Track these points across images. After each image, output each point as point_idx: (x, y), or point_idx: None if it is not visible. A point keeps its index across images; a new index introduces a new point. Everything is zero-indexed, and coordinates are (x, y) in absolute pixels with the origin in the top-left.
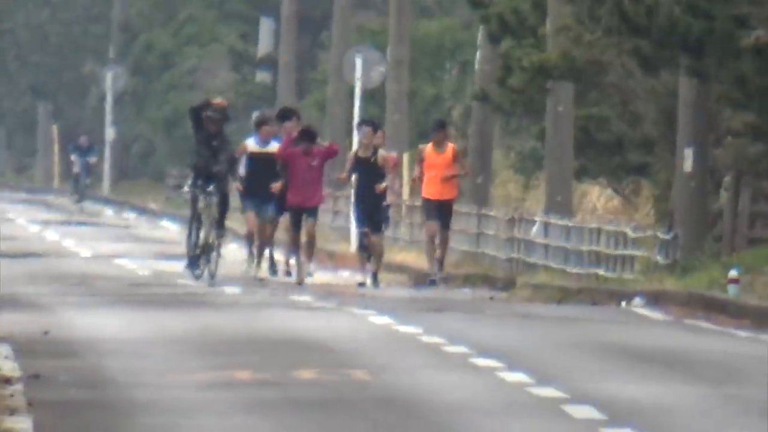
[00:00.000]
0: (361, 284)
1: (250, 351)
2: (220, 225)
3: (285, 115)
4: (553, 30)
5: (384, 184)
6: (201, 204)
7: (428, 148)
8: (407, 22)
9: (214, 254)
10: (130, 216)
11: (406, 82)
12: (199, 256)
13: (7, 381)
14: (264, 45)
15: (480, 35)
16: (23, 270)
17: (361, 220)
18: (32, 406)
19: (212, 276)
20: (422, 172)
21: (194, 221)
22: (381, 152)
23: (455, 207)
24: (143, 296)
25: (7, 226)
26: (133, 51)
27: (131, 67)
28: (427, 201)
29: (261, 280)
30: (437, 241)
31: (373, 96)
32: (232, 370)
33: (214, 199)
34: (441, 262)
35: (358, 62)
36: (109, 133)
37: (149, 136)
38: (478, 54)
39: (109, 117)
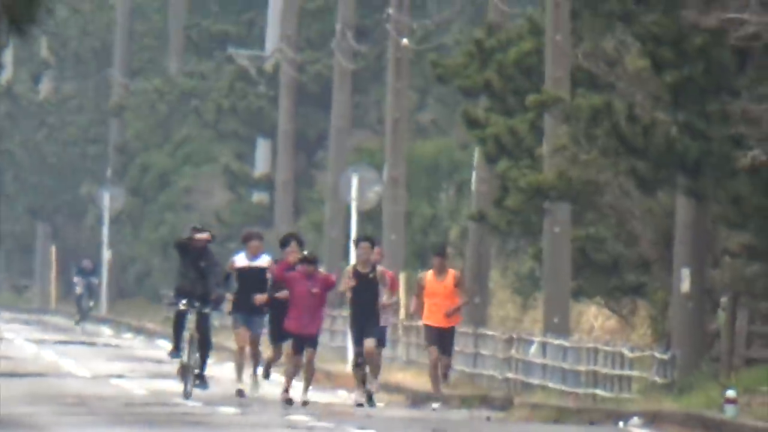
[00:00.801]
0: (359, 405)
1: None
2: (205, 347)
3: (285, 240)
4: (550, 150)
5: (384, 301)
6: (192, 325)
7: (428, 275)
8: (403, 141)
9: (193, 376)
10: (127, 336)
11: (403, 202)
12: (185, 373)
13: None
14: (261, 164)
15: (476, 155)
16: (20, 390)
17: (358, 338)
18: None
19: (188, 395)
20: (421, 300)
21: (178, 339)
22: (379, 268)
23: None
24: (140, 416)
25: (5, 345)
26: (130, 172)
27: (128, 188)
28: (429, 328)
29: (240, 391)
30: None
31: (370, 216)
32: None
33: (204, 321)
34: (438, 392)
35: (354, 182)
36: (106, 254)
37: (146, 256)
38: (474, 174)
39: (106, 238)
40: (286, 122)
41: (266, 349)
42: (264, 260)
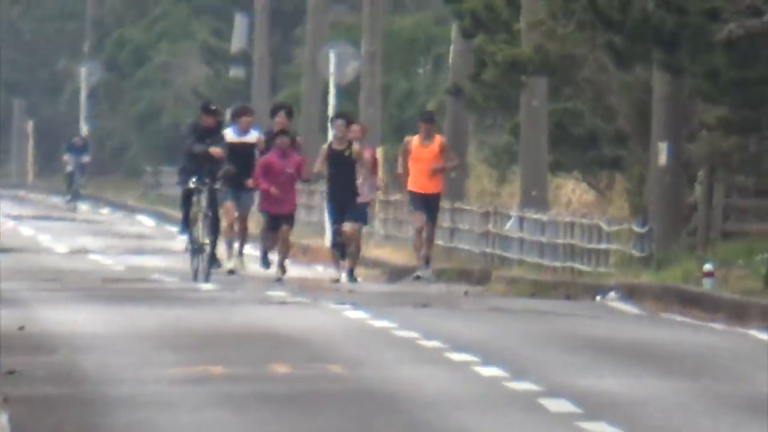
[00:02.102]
0: (336, 281)
1: (224, 346)
2: (214, 223)
3: (275, 109)
4: (527, 25)
5: (359, 179)
6: (203, 202)
7: (414, 140)
8: (381, 17)
9: (206, 253)
10: (105, 211)
11: (380, 76)
12: (195, 252)
13: None
14: (237, 40)
15: (453, 30)
16: None
17: (335, 216)
18: (7, 402)
19: (206, 274)
20: (407, 165)
21: (188, 218)
22: (355, 145)
23: None
24: (118, 291)
25: None
26: (106, 47)
27: (105, 63)
28: (413, 194)
29: (231, 272)
30: (424, 235)
31: (348, 91)
32: (206, 365)
33: (215, 198)
34: (428, 259)
35: (332, 57)
36: (84, 129)
37: (123, 132)
38: (451, 49)
39: (83, 113)
40: None
41: (255, 227)
42: (253, 136)
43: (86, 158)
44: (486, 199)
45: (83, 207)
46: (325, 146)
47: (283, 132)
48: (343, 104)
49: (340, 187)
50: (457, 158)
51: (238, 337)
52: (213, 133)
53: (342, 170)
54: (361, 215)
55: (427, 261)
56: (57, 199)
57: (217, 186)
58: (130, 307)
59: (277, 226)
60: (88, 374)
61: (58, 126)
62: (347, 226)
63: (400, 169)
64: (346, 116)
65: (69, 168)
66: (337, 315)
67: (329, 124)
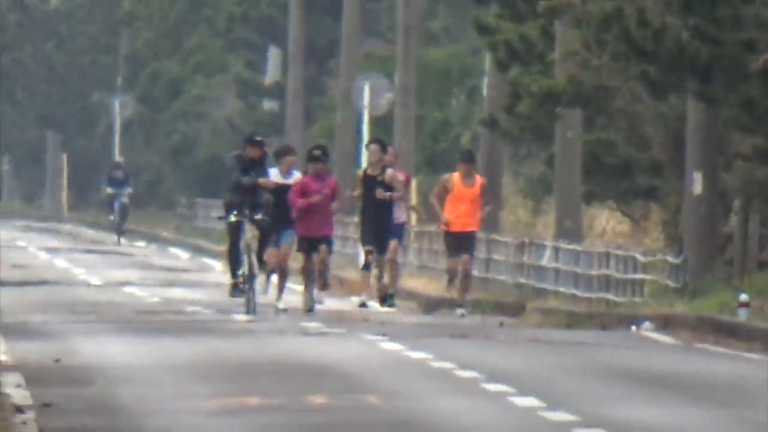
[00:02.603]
0: (363, 305)
1: (260, 377)
2: (260, 256)
3: (309, 152)
4: (561, 56)
5: (388, 193)
6: (248, 234)
7: (455, 178)
8: (415, 48)
9: (256, 284)
10: (140, 244)
11: (414, 108)
12: (243, 284)
13: (19, 409)
14: (272, 73)
15: (487, 62)
16: (34, 298)
17: (368, 240)
18: None
19: (254, 307)
20: (442, 201)
21: (235, 250)
22: (389, 170)
23: None
24: (153, 323)
25: (18, 253)
26: (140, 80)
27: (139, 97)
28: (452, 235)
29: (284, 311)
30: (461, 270)
31: (382, 122)
32: (242, 397)
33: (260, 228)
34: (465, 292)
35: (366, 89)
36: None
37: (157, 164)
38: (485, 80)
39: (117, 147)
40: (296, 30)
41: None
42: (296, 177)
43: (128, 190)
44: (521, 230)
45: (120, 240)
46: (361, 172)
47: (313, 158)
48: (377, 136)
49: (374, 212)
50: (491, 203)
51: (274, 368)
52: (258, 165)
53: (376, 195)
54: (399, 233)
55: (464, 294)
56: (91, 232)
57: (259, 217)
58: (165, 339)
59: (311, 250)
60: (124, 406)
61: (93, 159)
62: (380, 256)
63: (437, 207)
64: (381, 141)
65: (114, 202)
66: (373, 346)
67: (364, 149)
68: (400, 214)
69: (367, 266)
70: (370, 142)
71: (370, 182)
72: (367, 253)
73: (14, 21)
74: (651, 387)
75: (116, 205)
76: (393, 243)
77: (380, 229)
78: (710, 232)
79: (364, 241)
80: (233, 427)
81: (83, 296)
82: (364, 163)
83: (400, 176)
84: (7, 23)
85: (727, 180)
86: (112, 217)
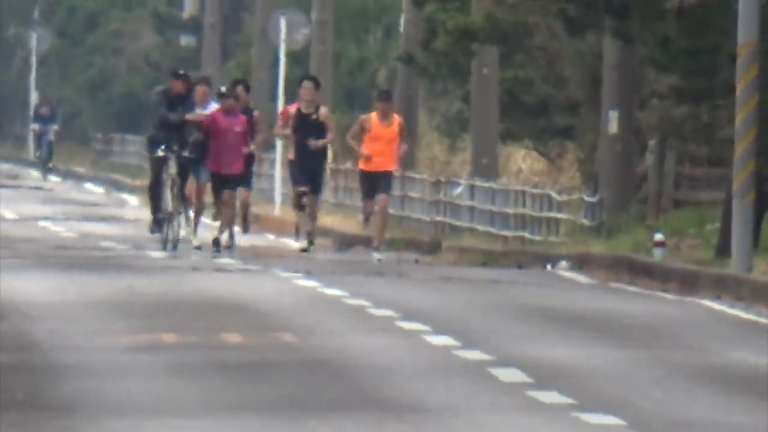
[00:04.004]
0: (304, 250)
1: (176, 314)
2: (182, 192)
3: (233, 85)
4: None
5: (321, 141)
6: (172, 170)
7: (373, 117)
8: None
9: (176, 221)
10: (55, 179)
11: (331, 44)
12: (163, 220)
13: None
14: (189, 7)
15: None
16: None
17: (301, 180)
18: None
19: (174, 243)
20: (361, 141)
21: (157, 186)
22: (323, 109)
23: None
24: (69, 259)
25: None
26: (57, 14)
27: (56, 30)
28: (367, 174)
29: (198, 248)
30: (379, 210)
31: (298, 58)
32: (158, 333)
33: (184, 166)
34: (383, 233)
35: (282, 24)
36: (34, 96)
37: (74, 99)
38: (402, 17)
39: (33, 81)
40: None
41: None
42: (213, 107)
43: (54, 126)
44: (436, 167)
45: (34, 173)
46: (291, 109)
47: (222, 95)
48: (293, 72)
49: (307, 151)
50: (408, 142)
51: (190, 306)
52: (184, 99)
53: (309, 134)
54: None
55: (378, 245)
56: (7, 166)
57: (186, 153)
58: (81, 274)
59: (221, 188)
60: (37, 342)
61: (8, 93)
62: (312, 197)
63: (353, 145)
64: (315, 79)
65: (36, 146)
66: (288, 283)
67: (298, 85)
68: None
69: (301, 207)
70: (304, 78)
71: (303, 121)
72: (302, 194)
73: None
74: (567, 326)
75: (43, 141)
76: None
77: (315, 170)
78: (626, 170)
79: (298, 182)
80: (148, 363)
81: None
82: (280, 99)
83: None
84: None
85: (642, 119)
86: (38, 154)
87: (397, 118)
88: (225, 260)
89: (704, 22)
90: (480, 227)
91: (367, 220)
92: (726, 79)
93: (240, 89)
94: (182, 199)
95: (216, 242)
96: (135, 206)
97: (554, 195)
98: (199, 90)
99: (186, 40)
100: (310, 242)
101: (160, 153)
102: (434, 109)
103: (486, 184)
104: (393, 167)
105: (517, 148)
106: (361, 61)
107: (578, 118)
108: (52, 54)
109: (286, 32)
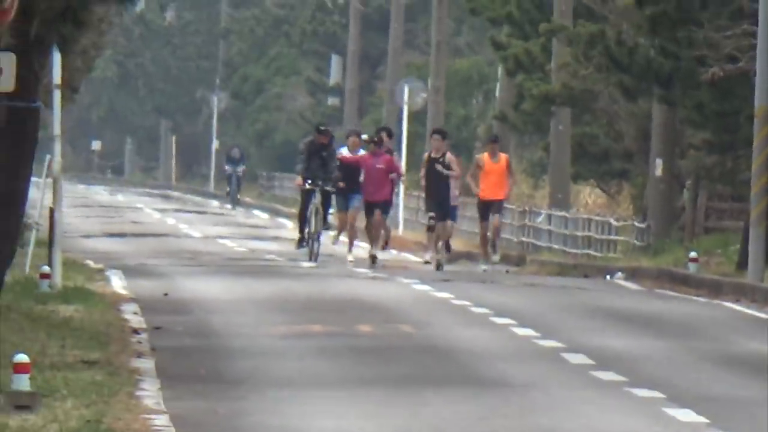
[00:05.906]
0: (427, 263)
1: (321, 310)
2: (325, 218)
3: (378, 131)
4: (557, 66)
5: (448, 171)
6: (317, 200)
7: (485, 157)
8: (444, 59)
9: (318, 241)
10: (229, 207)
11: (443, 105)
12: (308, 240)
13: (135, 331)
14: (334, 76)
15: (500, 70)
16: (148, 246)
17: (431, 208)
18: (154, 350)
19: (316, 256)
20: (478, 178)
21: (306, 212)
22: (448, 154)
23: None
24: (239, 267)
25: (136, 213)
26: (233, 81)
27: (231, 93)
28: (485, 202)
29: (352, 262)
30: (492, 229)
31: (417, 117)
32: (307, 324)
33: (326, 197)
34: (495, 246)
35: (406, 90)
36: (216, 144)
37: (244, 146)
38: (498, 85)
39: (215, 132)
40: (354, 43)
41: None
42: (360, 154)
43: (242, 168)
44: (523, 200)
45: (214, 203)
46: (426, 156)
47: (371, 141)
48: (413, 127)
49: (437, 186)
50: (514, 176)
51: (332, 303)
52: (327, 147)
53: (437, 174)
54: (453, 215)
55: (495, 248)
56: (195, 198)
57: (328, 188)
58: (249, 279)
59: (371, 212)
60: (215, 330)
61: (196, 141)
62: (439, 223)
63: (472, 184)
64: (442, 132)
65: (230, 178)
66: (407, 288)
67: (428, 137)
68: (454, 195)
69: (430, 229)
70: (434, 132)
71: (432, 163)
72: (431, 218)
73: (138, 33)
74: (621, 322)
75: (233, 179)
76: (449, 222)
77: (441, 201)
78: (668, 204)
79: (428, 208)
80: (300, 347)
81: (186, 246)
82: (404, 149)
83: (455, 161)
84: (132, 35)
85: (681, 165)
86: (228, 189)
87: (504, 156)
88: (360, 269)
89: (729, 91)
90: (556, 246)
91: (484, 237)
92: (746, 135)
93: (383, 134)
94: (324, 222)
95: (373, 258)
96: (290, 229)
97: (613, 222)
98: (352, 140)
99: (332, 101)
100: (438, 263)
101: (308, 186)
102: (522, 156)
103: (560, 213)
104: (502, 196)
105: (584, 186)
106: (465, 119)
107: (632, 164)
108: (229, 111)
109: (408, 96)
